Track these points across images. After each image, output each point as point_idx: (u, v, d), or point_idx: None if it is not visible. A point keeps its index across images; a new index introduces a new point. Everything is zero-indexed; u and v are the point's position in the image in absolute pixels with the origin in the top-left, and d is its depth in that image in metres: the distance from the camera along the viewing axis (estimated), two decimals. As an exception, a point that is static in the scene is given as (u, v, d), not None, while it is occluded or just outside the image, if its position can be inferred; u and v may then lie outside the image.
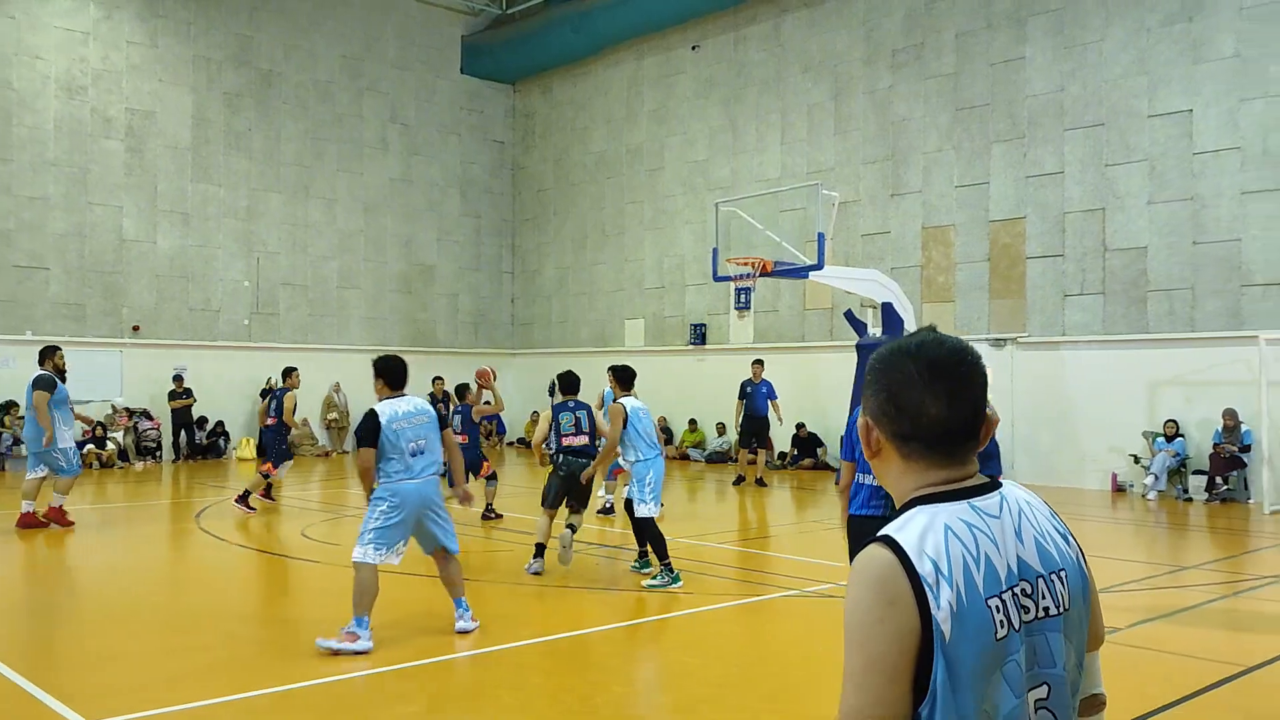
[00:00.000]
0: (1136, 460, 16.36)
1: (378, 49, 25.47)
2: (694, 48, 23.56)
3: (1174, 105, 16.35)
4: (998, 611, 1.62)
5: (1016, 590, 1.66)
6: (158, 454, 21.24)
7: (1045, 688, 1.68)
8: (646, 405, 9.53)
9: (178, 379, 21.31)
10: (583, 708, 5.66)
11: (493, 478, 13.32)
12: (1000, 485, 1.76)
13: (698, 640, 7.38)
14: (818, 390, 20.39)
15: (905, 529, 1.64)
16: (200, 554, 11.17)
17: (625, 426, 9.03)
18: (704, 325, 23.15)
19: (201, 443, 21.83)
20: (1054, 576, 1.72)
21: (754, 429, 17.43)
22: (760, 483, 17.13)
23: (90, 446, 19.86)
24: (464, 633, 7.16)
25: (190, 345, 22.35)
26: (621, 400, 9.25)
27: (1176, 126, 16.32)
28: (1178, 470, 15.84)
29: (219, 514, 13.74)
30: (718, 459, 21.83)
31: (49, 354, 12.06)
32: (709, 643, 7.31)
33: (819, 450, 20.44)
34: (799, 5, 21.51)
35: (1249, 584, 9.44)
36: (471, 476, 12.24)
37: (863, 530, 5.46)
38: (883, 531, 1.65)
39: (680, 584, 8.76)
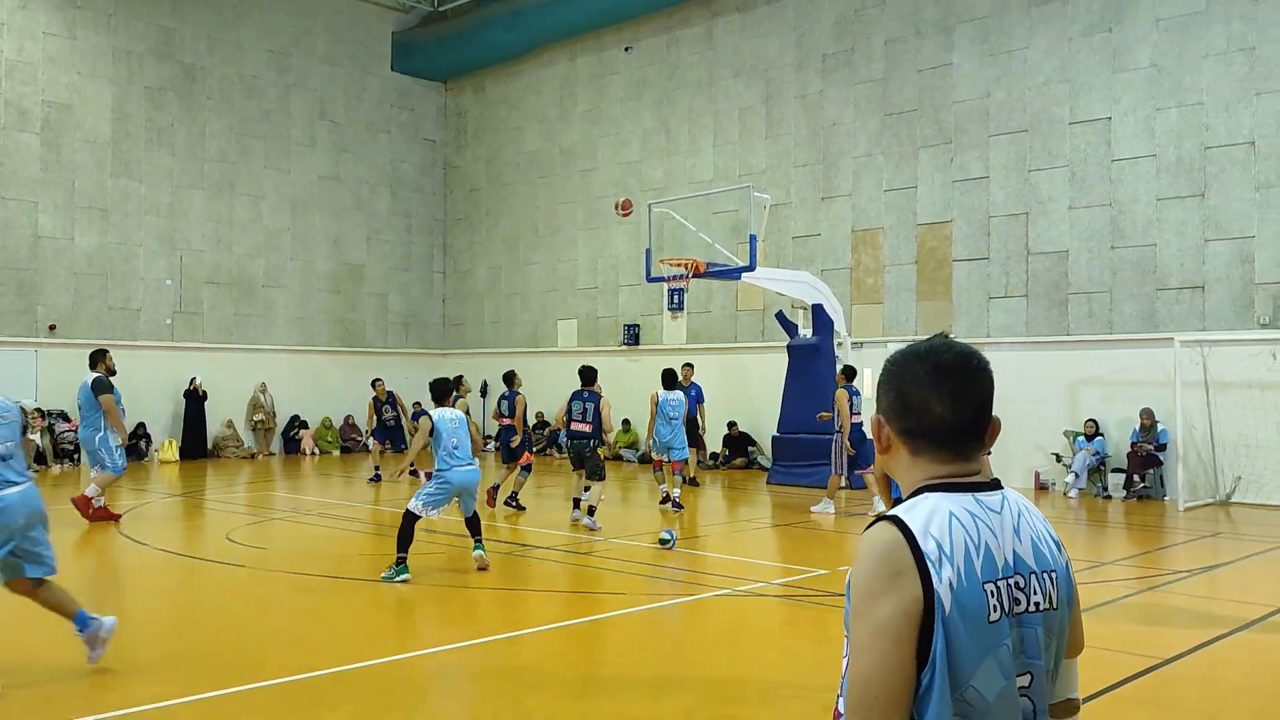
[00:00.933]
0: (1058, 459, 16.76)
1: (306, 44, 25.07)
2: (627, 49, 23.59)
3: (1094, 113, 16.79)
4: (992, 596, 1.75)
5: (1011, 581, 1.78)
6: (76, 456, 20.65)
7: (1029, 676, 1.79)
8: (461, 416, 9.78)
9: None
10: (514, 711, 5.63)
11: (527, 468, 14.04)
12: (1001, 487, 1.88)
13: (630, 641, 7.39)
14: (749, 391, 20.55)
15: (912, 511, 1.78)
16: (121, 559, 10.88)
17: (430, 435, 9.32)
18: (637, 326, 23.19)
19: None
20: (1045, 575, 1.84)
21: (692, 430, 17.49)
22: (693, 482, 17.19)
23: (4, 449, 19.26)
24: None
25: (110, 345, 21.70)
26: (432, 412, 9.63)
27: (1096, 134, 16.75)
28: (1097, 468, 16.26)
29: (140, 518, 13.40)
30: (650, 460, 21.82)
31: (100, 357, 12.66)
32: (642, 644, 7.31)
33: (750, 449, 20.59)
34: (731, 9, 21.65)
35: (1164, 579, 9.72)
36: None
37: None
38: (890, 512, 1.78)
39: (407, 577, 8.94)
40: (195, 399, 22.30)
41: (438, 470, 9.28)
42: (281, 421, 24.02)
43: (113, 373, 12.71)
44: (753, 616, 8.25)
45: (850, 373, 14.44)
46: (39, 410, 20.36)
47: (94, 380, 12.36)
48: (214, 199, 23.46)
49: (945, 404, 1.83)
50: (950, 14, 18.41)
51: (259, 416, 23.56)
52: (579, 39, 24.30)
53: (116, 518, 12.58)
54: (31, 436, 19.77)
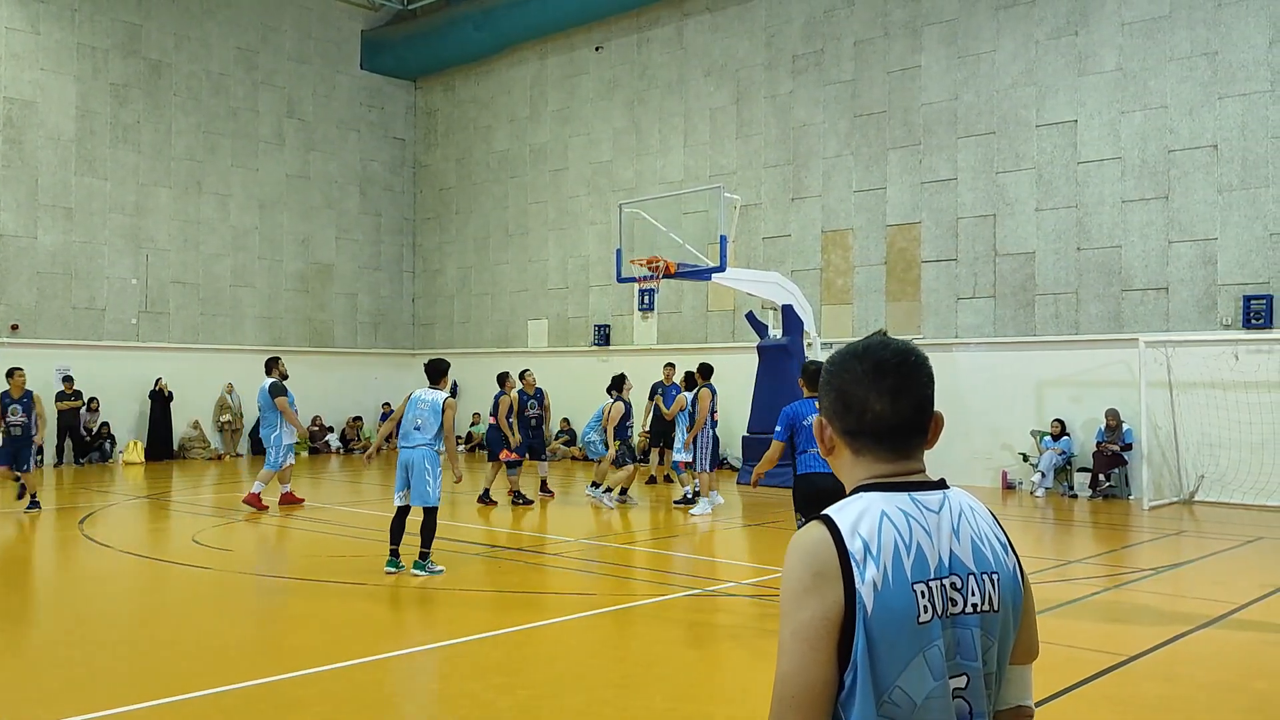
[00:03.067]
0: (1025, 458, 16.91)
1: (274, 41, 24.87)
2: (597, 49, 23.58)
3: (1060, 115, 16.96)
4: (922, 596, 1.71)
5: (945, 582, 1.75)
6: (39, 458, 20.35)
7: (964, 678, 1.77)
8: (435, 401, 10.01)
9: (67, 380, 20.48)
10: (483, 713, 5.61)
11: (513, 465, 14.96)
12: (946, 486, 1.86)
13: (601, 641, 7.38)
14: (720, 391, 20.54)
15: (843, 510, 1.76)
16: (85, 561, 10.75)
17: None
18: (608, 326, 23.17)
19: (89, 444, 21.02)
20: (985, 576, 1.80)
21: (663, 429, 17.54)
22: (667, 479, 17.29)
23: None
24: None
25: (74, 345, 21.50)
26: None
27: (1062, 136, 16.92)
28: (1064, 468, 16.42)
29: (104, 520, 13.24)
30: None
31: (274, 364, 14.25)
32: (612, 644, 7.31)
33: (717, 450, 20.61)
34: (701, 9, 21.69)
35: (1129, 577, 9.83)
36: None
37: (813, 485, 7.03)
38: (824, 512, 1.77)
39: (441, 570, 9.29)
40: (160, 399, 22.06)
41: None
42: (248, 422, 23.79)
43: (285, 377, 14.22)
44: (723, 616, 8.27)
45: (707, 370, 15.14)
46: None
47: (270, 385, 13.88)
48: (180, 197, 23.23)
49: (885, 401, 1.81)
50: (918, 16, 18.53)
51: (226, 417, 23.34)
52: (549, 38, 24.26)
53: (264, 508, 13.76)
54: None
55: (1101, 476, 15.83)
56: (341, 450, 24.89)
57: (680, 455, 14.74)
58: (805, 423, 7.20)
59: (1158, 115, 16.07)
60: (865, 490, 1.80)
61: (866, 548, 1.70)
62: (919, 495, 1.80)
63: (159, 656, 6.84)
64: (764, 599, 8.74)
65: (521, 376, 15.57)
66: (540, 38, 24.27)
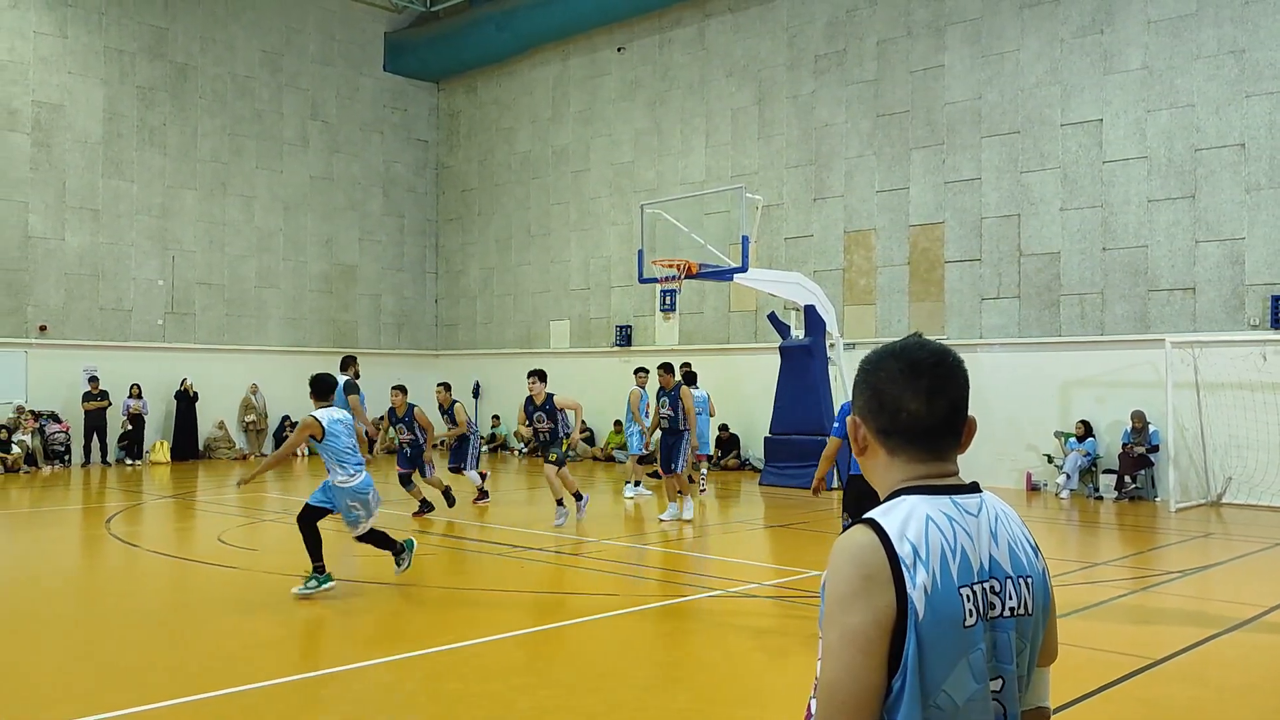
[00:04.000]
0: (1050, 460, 16.79)
1: (298, 44, 25.02)
2: (619, 49, 23.59)
3: (1085, 115, 16.83)
4: (968, 600, 1.73)
5: (986, 585, 1.77)
6: (66, 458, 20.58)
7: (1000, 681, 1.78)
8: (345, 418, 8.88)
9: (93, 380, 20.68)
10: (504, 713, 5.62)
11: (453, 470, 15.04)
12: (981, 490, 1.86)
13: (622, 643, 7.38)
14: (742, 392, 20.55)
15: (889, 515, 1.75)
16: (112, 561, 10.85)
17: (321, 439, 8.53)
18: (629, 327, 23.18)
19: (123, 445, 21.22)
20: (1021, 580, 1.81)
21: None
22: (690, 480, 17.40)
23: (-6, 450, 19.21)
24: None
25: (101, 346, 21.70)
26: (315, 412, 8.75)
27: (1088, 135, 16.79)
28: (1089, 469, 16.29)
29: (131, 519, 13.36)
30: (645, 460, 21.82)
31: (350, 362, 14.59)
32: (633, 645, 7.30)
33: (740, 450, 20.60)
34: (723, 10, 21.66)
35: (1156, 579, 9.74)
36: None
37: (863, 487, 6.88)
38: (868, 515, 1.76)
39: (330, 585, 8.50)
40: (186, 400, 22.24)
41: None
42: (273, 422, 23.96)
43: (358, 376, 14.43)
44: (745, 617, 8.25)
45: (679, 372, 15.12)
46: (31, 412, 20.30)
47: (344, 383, 13.98)
48: (206, 199, 23.41)
49: (920, 401, 1.81)
50: (941, 15, 18.44)
51: (250, 417, 23.50)
52: (571, 39, 24.29)
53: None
54: (23, 437, 19.76)
55: (1127, 478, 15.70)
56: (368, 451, 24.97)
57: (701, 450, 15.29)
58: None
59: (1184, 114, 15.92)
60: (906, 493, 1.80)
61: (915, 552, 1.70)
62: (959, 499, 1.81)
63: (184, 654, 6.89)
64: (786, 600, 8.71)
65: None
66: (562, 39, 24.31)
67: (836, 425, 7.25)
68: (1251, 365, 14.68)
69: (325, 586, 8.45)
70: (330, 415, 8.64)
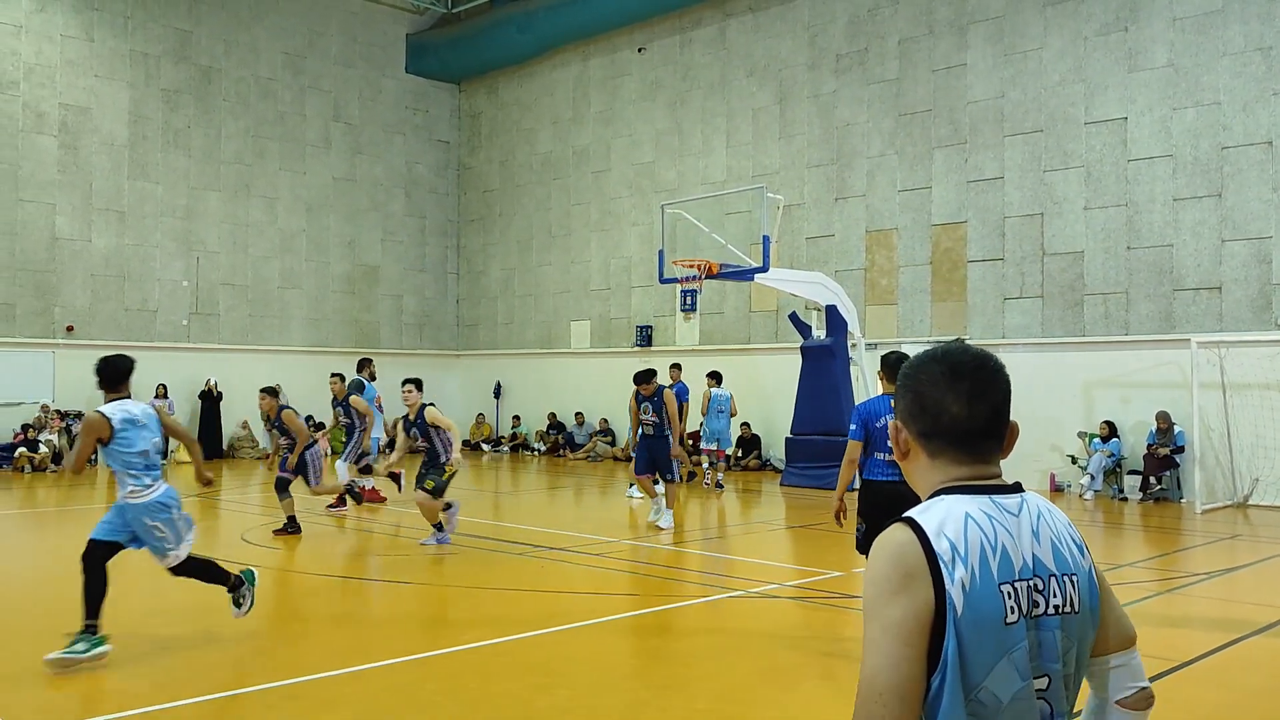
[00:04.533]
0: (1074, 460, 16.67)
1: (321, 46, 25.16)
2: (640, 50, 23.59)
3: (1110, 113, 16.70)
4: (1009, 598, 1.74)
5: (1029, 583, 1.78)
6: (92, 457, 20.75)
7: (1046, 679, 1.79)
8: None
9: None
10: (523, 712, 5.62)
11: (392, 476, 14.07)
12: (1023, 490, 1.87)
13: (644, 642, 7.37)
14: (762, 392, 20.51)
15: (927, 513, 1.78)
16: (135, 560, 10.92)
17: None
18: (650, 327, 23.17)
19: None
20: (1066, 578, 1.82)
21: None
22: (690, 476, 17.60)
23: (22, 450, 19.39)
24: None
25: (127, 346, 21.87)
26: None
27: (1112, 134, 16.66)
28: (1113, 470, 16.16)
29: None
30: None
31: (364, 364, 15.05)
32: (655, 644, 7.30)
33: (761, 450, 20.56)
34: (744, 10, 21.63)
35: (1182, 581, 9.65)
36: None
37: (878, 493, 6.53)
38: (906, 514, 1.78)
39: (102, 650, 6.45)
40: (211, 400, 22.40)
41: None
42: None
43: (373, 378, 14.81)
44: (766, 618, 8.23)
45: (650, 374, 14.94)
46: (57, 411, 20.51)
47: (351, 381, 14.49)
48: (230, 201, 23.57)
49: (961, 404, 1.83)
50: (964, 14, 18.34)
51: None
52: (592, 40, 24.32)
53: (385, 499, 14.65)
54: (49, 436, 19.96)
55: (1152, 479, 15.56)
56: (388, 450, 25.11)
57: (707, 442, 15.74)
58: (879, 423, 6.60)
59: (1210, 112, 15.77)
60: (945, 493, 1.82)
61: (954, 549, 1.72)
62: (999, 498, 1.82)
63: (205, 652, 6.93)
64: (807, 601, 8.69)
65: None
66: (583, 39, 24.34)
67: (853, 428, 6.68)
68: (1278, 365, 14.52)
69: (96, 652, 6.30)
70: (123, 410, 6.62)
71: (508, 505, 14.60)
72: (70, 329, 21.19)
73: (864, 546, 6.59)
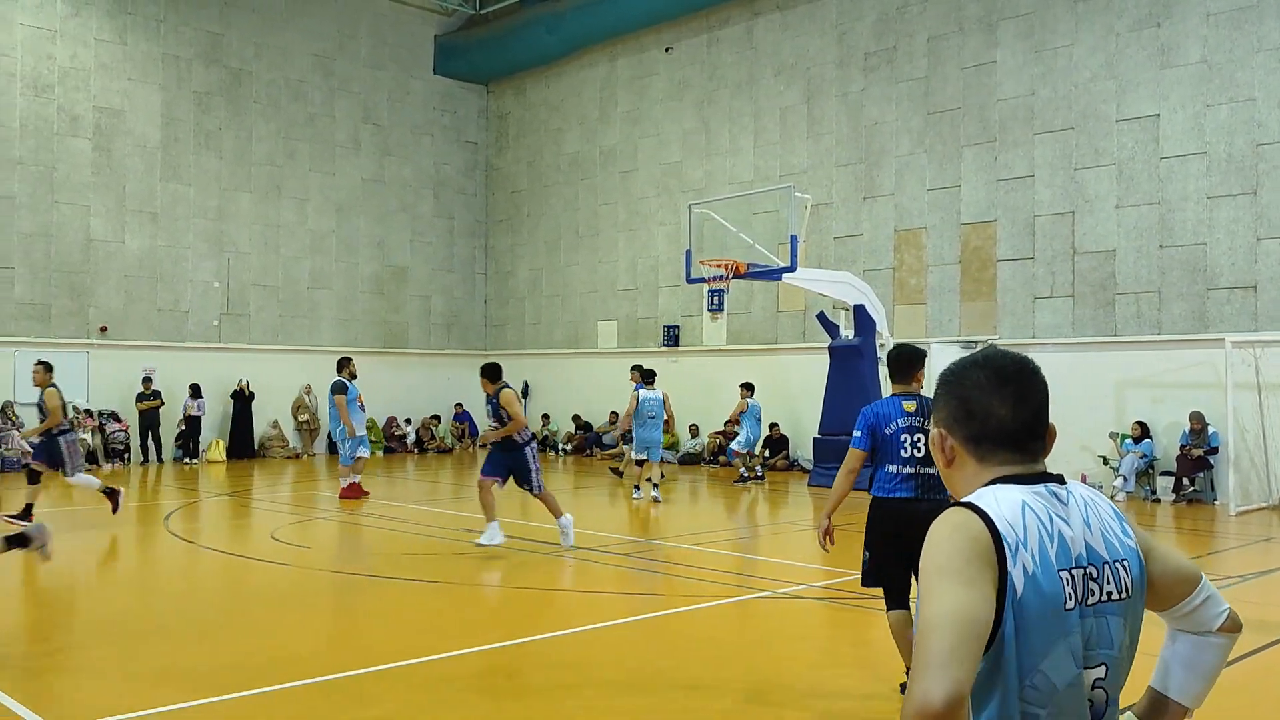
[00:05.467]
0: (1105, 461, 16.52)
1: (350, 48, 25.33)
2: (667, 50, 23.59)
3: (1142, 110, 16.53)
4: (1067, 584, 1.76)
5: (1085, 571, 1.80)
6: (126, 456, 21.02)
7: (1103, 668, 1.81)
8: None
9: (146, 381, 21.10)
10: (552, 711, 5.64)
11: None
12: (1065, 482, 1.90)
13: (671, 642, 7.38)
14: (790, 392, 20.45)
15: (983, 499, 1.79)
16: (168, 557, 11.05)
17: None
18: (677, 327, 23.17)
19: (184, 444, 21.62)
20: (1118, 565, 1.85)
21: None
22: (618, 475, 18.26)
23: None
24: None
25: (159, 346, 22.13)
26: None
27: (1144, 131, 16.49)
28: (1146, 471, 16.00)
29: (188, 516, 13.60)
30: (690, 460, 21.86)
31: (344, 363, 15.04)
32: (682, 644, 7.30)
33: (789, 450, 20.51)
34: (771, 8, 21.58)
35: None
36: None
37: (893, 516, 5.48)
38: (964, 499, 1.79)
39: None
40: (242, 399, 22.61)
41: None
42: (324, 422, 24.25)
43: (353, 377, 14.89)
44: (794, 619, 8.21)
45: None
46: (89, 410, 20.76)
47: (334, 383, 14.83)
48: (261, 202, 23.78)
49: (1008, 407, 1.86)
50: (993, 10, 18.21)
51: (304, 417, 23.83)
52: (619, 40, 24.34)
53: (368, 494, 15.03)
54: (83, 435, 20.22)
55: (1185, 480, 15.39)
56: (416, 450, 25.26)
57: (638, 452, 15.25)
58: (889, 429, 5.58)
59: (1245, 108, 15.57)
60: (996, 483, 1.84)
61: (1015, 533, 1.73)
62: (1050, 486, 1.85)
63: (238, 650, 7.00)
64: (834, 602, 8.66)
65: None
66: (610, 40, 24.37)
67: (858, 435, 5.64)
68: (1315, 365, 14.33)
69: None
70: None
71: (535, 505, 14.63)
72: (104, 330, 21.45)
73: (874, 579, 5.70)
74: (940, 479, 5.78)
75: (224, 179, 23.23)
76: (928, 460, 5.44)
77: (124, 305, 21.81)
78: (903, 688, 5.55)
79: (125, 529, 12.94)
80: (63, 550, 11.33)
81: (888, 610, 5.67)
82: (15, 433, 19.54)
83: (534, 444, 10.68)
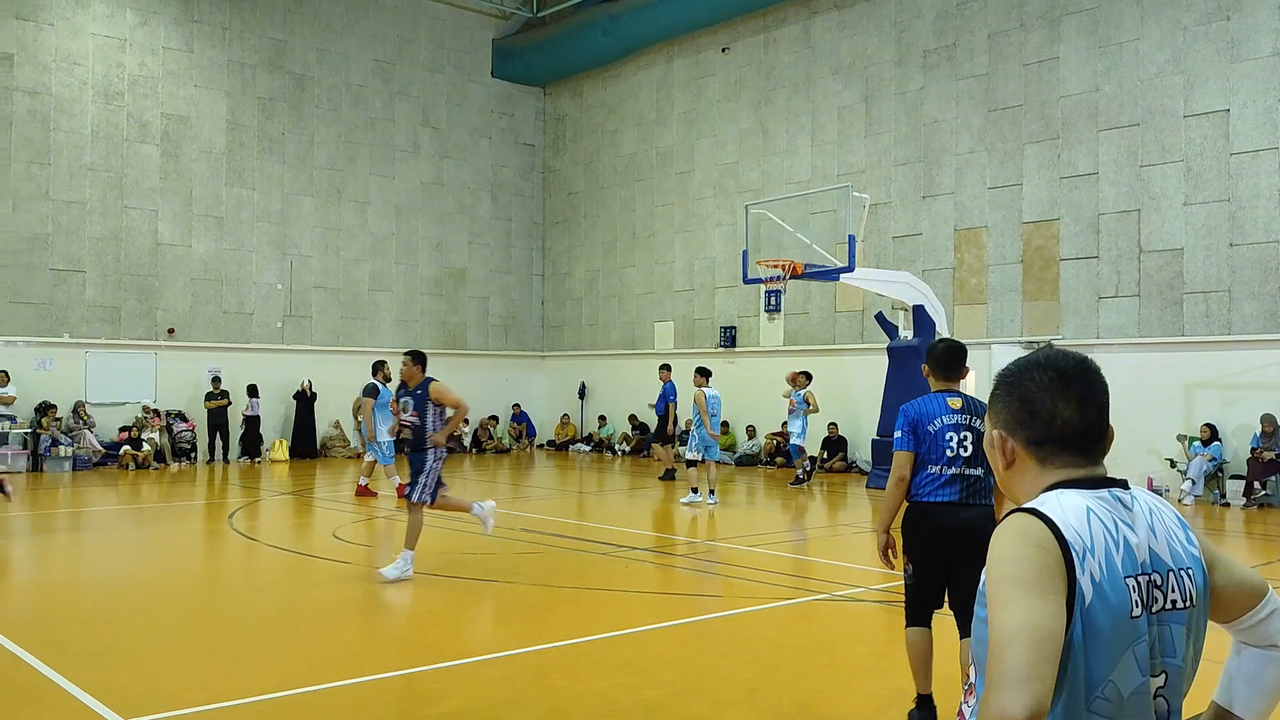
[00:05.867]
0: (1173, 464, 16.16)
1: (409, 52, 25.63)
2: (724, 50, 23.54)
3: (1211, 105, 16.15)
4: (1133, 591, 1.73)
5: (1149, 578, 1.77)
6: (192, 455, 21.47)
7: (1164, 676, 1.78)
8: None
9: (215, 380, 21.54)
10: (611, 711, 5.66)
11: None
12: (1129, 486, 1.87)
13: (729, 644, 7.36)
14: (848, 393, 20.29)
15: (1046, 505, 1.75)
16: (232, 554, 11.26)
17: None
18: (734, 328, 23.10)
19: (248, 443, 22.03)
20: (1182, 573, 1.82)
21: (659, 426, 18.50)
22: (669, 475, 18.06)
23: (126, 448, 20.12)
24: None
25: (224, 348, 22.57)
26: None
27: (1213, 126, 16.11)
28: (1215, 475, 15.63)
29: (252, 515, 13.85)
30: (747, 462, 21.78)
31: (378, 367, 15.27)
32: (740, 646, 7.28)
33: (847, 452, 20.35)
34: (829, 7, 21.43)
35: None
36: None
37: (938, 523, 5.05)
38: (1026, 505, 1.76)
39: None
40: (305, 400, 22.97)
41: None
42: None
43: (387, 380, 15.06)
44: (853, 622, 8.15)
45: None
46: (156, 411, 21.24)
47: (366, 385, 15.20)
48: (322, 205, 24.15)
49: (1073, 408, 1.83)
50: (1056, 6, 17.91)
51: (363, 417, 24.10)
52: (675, 41, 24.33)
53: (375, 494, 15.40)
54: (151, 435, 20.69)
55: (1256, 484, 15.00)
56: (474, 450, 25.47)
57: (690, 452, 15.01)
58: (932, 427, 5.18)
59: (1319, 102, 15.15)
60: (1058, 488, 1.80)
61: (1081, 540, 1.70)
62: (1115, 491, 1.82)
63: (299, 647, 7.12)
64: (893, 605, 8.57)
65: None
66: (667, 41, 24.37)
67: (900, 435, 5.23)
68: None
69: None
70: None
71: (591, 505, 14.71)
72: (171, 332, 21.93)
73: (917, 597, 5.25)
74: (984, 482, 5.50)
75: (286, 183, 23.62)
76: (973, 461, 5.11)
77: (190, 307, 22.28)
78: (911, 716, 5.31)
79: (191, 526, 13.22)
80: (130, 544, 11.62)
81: (908, 626, 5.27)
82: (88, 431, 20.06)
83: (442, 450, 9.43)
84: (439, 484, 9.34)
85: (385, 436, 14.99)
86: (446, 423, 9.34)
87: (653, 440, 18.56)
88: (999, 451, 1.91)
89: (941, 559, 5.10)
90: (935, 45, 19.66)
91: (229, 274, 22.80)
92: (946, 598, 5.24)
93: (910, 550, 5.21)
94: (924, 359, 5.64)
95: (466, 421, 8.73)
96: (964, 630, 5.13)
